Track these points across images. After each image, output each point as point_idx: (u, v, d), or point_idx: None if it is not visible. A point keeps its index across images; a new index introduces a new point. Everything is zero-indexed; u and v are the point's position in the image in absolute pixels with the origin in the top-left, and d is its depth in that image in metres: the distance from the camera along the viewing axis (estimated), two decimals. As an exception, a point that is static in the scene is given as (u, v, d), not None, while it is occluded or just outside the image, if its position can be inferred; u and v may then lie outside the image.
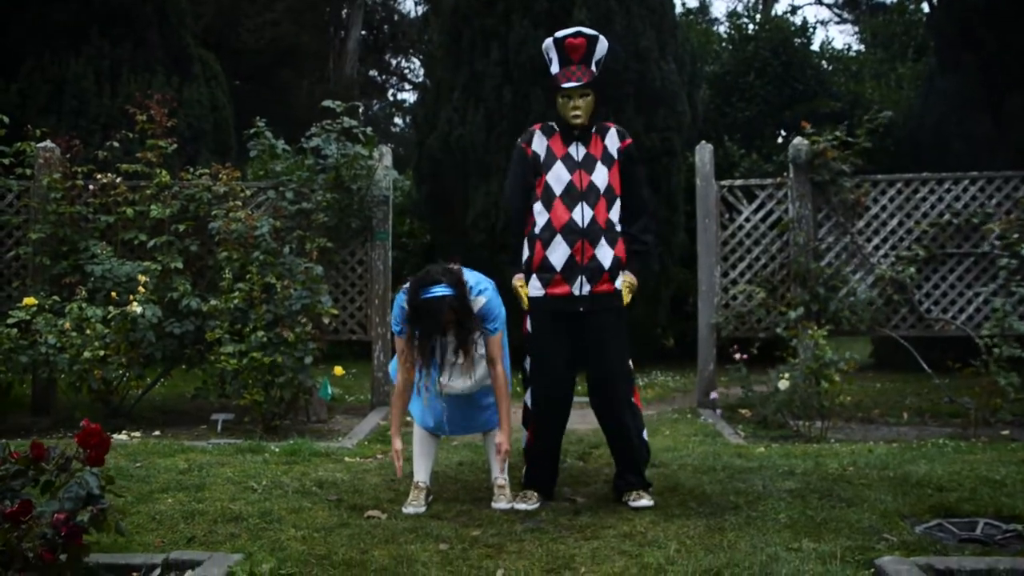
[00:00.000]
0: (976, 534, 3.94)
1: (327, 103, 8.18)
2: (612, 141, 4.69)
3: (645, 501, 4.44)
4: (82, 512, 2.94)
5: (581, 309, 4.53)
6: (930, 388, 8.12)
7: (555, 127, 4.72)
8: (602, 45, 4.68)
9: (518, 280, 4.67)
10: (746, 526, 3.99)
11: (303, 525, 4.09)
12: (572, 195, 4.57)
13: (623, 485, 4.60)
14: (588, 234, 4.52)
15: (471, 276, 4.53)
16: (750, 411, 7.68)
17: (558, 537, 3.91)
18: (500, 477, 4.62)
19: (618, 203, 4.63)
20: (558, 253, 4.52)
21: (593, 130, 4.68)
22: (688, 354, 9.97)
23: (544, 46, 4.73)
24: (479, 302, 4.45)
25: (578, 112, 4.58)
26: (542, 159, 4.67)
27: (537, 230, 4.60)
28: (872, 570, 3.36)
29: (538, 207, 4.62)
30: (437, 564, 3.50)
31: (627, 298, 4.60)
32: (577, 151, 4.64)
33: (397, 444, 4.51)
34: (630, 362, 4.73)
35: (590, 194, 4.56)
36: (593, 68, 4.63)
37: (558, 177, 4.60)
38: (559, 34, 4.67)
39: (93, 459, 3.17)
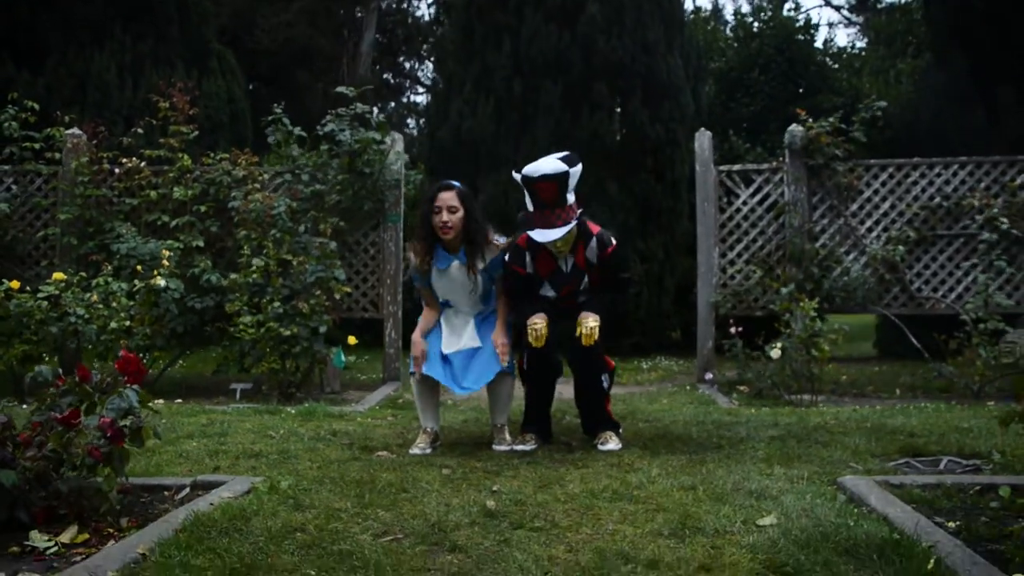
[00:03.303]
0: (939, 469, 4.25)
1: (341, 89, 8.56)
2: (592, 251, 4.82)
3: (612, 444, 4.76)
4: (123, 421, 3.30)
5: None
6: (925, 370, 8.41)
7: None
8: (573, 176, 4.69)
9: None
10: (726, 459, 4.33)
11: (318, 460, 4.44)
12: (557, 305, 4.89)
13: (592, 427, 4.98)
14: (566, 310, 4.90)
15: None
16: (748, 387, 7.98)
17: (551, 466, 4.27)
18: (500, 422, 4.94)
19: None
20: (545, 292, 4.93)
21: (577, 236, 4.82)
22: (693, 344, 10.23)
23: (515, 177, 4.79)
24: (500, 244, 4.98)
25: (559, 245, 4.77)
26: (531, 279, 4.90)
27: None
28: (834, 486, 3.70)
29: None
30: (440, 482, 3.86)
31: (590, 339, 4.69)
32: (566, 264, 4.87)
33: (417, 335, 4.99)
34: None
35: (571, 301, 4.89)
36: (569, 198, 4.71)
37: (546, 295, 4.89)
38: (527, 172, 4.68)
39: (131, 382, 3.54)
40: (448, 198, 4.88)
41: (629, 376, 9.60)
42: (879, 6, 29.11)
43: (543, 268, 4.88)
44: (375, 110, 28.60)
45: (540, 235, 4.65)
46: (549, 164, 4.65)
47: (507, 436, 4.89)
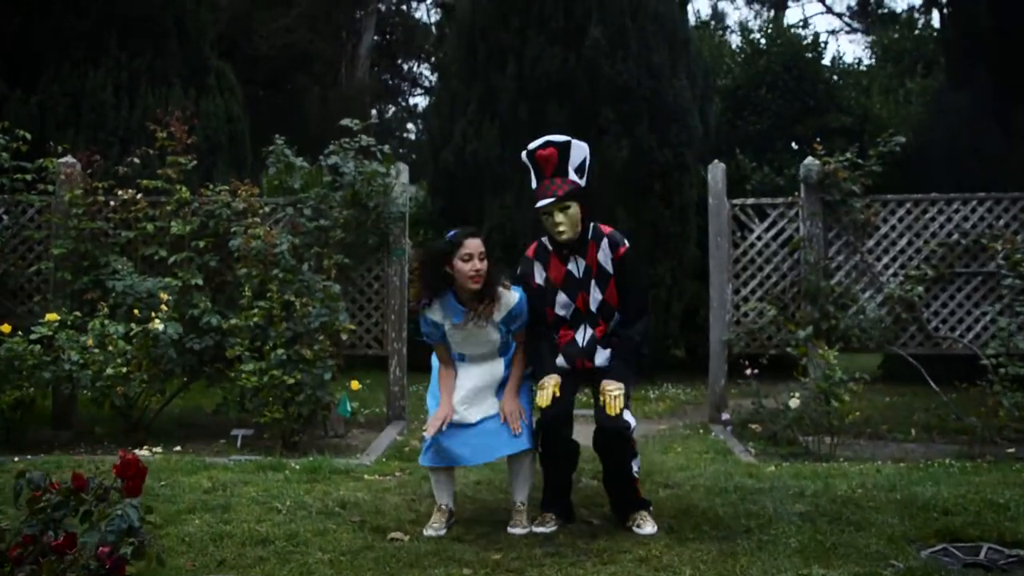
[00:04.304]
0: (980, 559, 4.05)
1: (345, 122, 8.32)
2: (605, 254, 4.63)
3: (649, 528, 4.53)
4: (124, 544, 3.07)
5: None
6: (938, 403, 8.22)
7: (548, 246, 4.74)
8: (578, 150, 4.59)
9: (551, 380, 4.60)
10: (758, 551, 4.11)
11: (329, 548, 4.21)
12: (576, 318, 4.69)
13: (624, 509, 4.72)
14: (588, 352, 4.69)
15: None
16: (760, 426, 7.78)
17: (576, 562, 4.03)
18: (520, 499, 4.71)
19: (616, 315, 4.69)
20: (559, 363, 4.70)
21: (589, 237, 4.65)
22: (699, 366, 10.06)
23: (522, 158, 4.72)
24: (513, 296, 4.64)
25: (562, 228, 4.54)
26: (546, 291, 4.69)
27: None
28: (880, 598, 3.49)
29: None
30: (461, 590, 3.64)
31: (614, 408, 4.46)
32: (577, 266, 4.66)
33: (440, 405, 4.65)
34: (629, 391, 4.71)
35: (592, 316, 4.67)
36: (572, 176, 4.57)
37: (563, 304, 4.69)
38: (531, 146, 4.63)
39: (130, 489, 3.31)
40: (478, 245, 4.51)
41: (636, 407, 9.29)
42: (880, 12, 28.99)
43: (555, 273, 4.68)
44: (374, 112, 28.39)
45: (542, 202, 4.52)
46: (552, 136, 4.67)
47: (524, 519, 4.65)
